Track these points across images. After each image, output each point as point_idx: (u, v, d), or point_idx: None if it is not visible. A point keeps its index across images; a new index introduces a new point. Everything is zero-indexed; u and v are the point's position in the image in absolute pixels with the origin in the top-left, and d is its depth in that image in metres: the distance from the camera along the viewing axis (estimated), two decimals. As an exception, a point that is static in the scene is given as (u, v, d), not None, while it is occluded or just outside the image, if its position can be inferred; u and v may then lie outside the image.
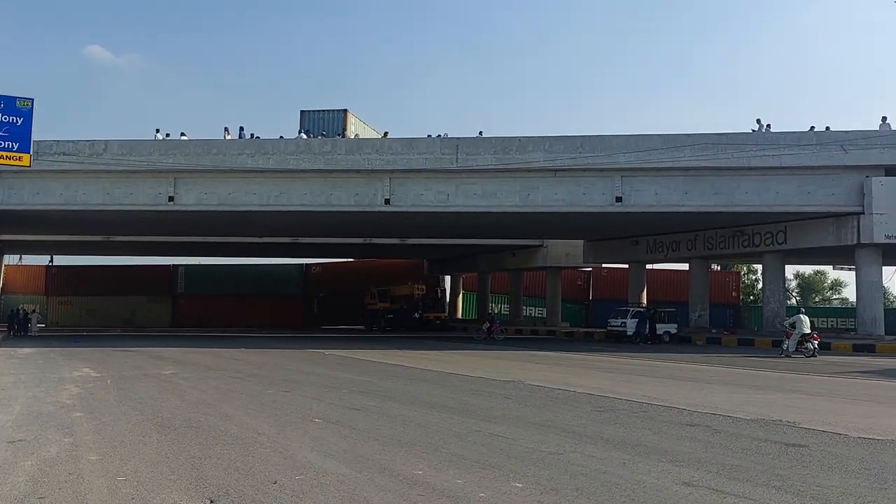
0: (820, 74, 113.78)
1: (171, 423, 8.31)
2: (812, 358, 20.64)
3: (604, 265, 43.41)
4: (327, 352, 22.02)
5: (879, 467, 6.15)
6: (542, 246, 40.54)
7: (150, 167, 26.22)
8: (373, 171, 26.50)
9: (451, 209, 27.02)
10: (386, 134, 28.79)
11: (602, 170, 26.12)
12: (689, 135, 26.09)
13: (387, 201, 26.63)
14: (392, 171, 26.54)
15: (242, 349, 23.08)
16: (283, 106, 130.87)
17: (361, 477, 5.79)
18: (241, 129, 28.10)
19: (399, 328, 41.11)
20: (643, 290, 36.14)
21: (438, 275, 52.01)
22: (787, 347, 21.52)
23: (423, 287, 44.04)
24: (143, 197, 26.86)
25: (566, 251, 40.34)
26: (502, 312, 46.67)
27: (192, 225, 31.93)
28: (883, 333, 26.61)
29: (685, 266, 35.89)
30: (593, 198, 26.54)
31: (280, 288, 50.29)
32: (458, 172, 26.45)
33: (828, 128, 26.20)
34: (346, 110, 31.99)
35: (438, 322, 42.40)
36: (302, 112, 31.89)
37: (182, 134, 27.82)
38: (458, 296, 52.80)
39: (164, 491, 5.36)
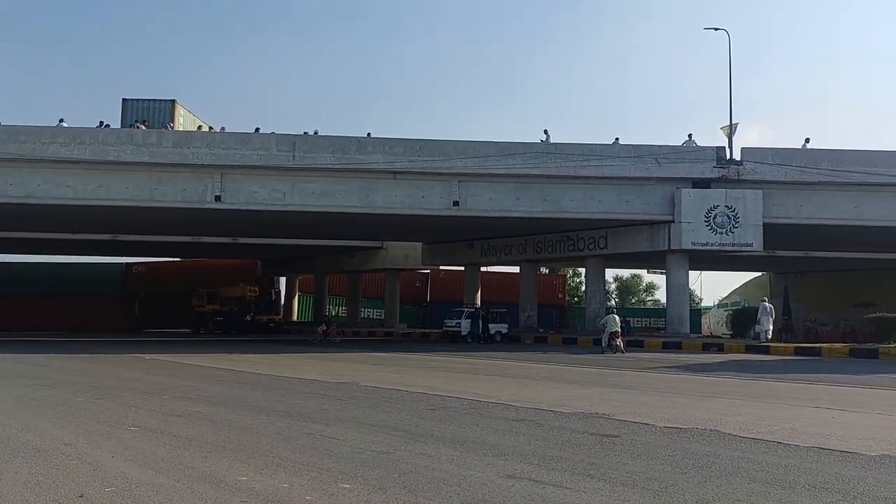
0: (635, 93, 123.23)
1: (-42, 438, 7.39)
2: (618, 354, 22.16)
3: (441, 267, 44.36)
4: (148, 356, 20.66)
5: (681, 453, 6.69)
6: (381, 248, 40.72)
7: (-58, 152, 23.42)
8: (203, 165, 25.33)
9: (288, 208, 26.43)
10: (257, 130, 27.18)
11: (440, 174, 26.65)
12: (520, 143, 27.29)
13: (217, 198, 25.56)
14: (224, 167, 25.51)
15: (50, 354, 21.12)
16: (104, 94, 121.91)
17: (179, 486, 5.45)
18: None
19: (229, 331, 39.55)
20: (478, 292, 37.29)
21: (273, 276, 50.69)
22: (604, 345, 23.31)
23: (256, 288, 42.71)
24: (-66, 186, 23.97)
25: (405, 253, 40.78)
26: (340, 314, 46.27)
27: (-5, 218, 28.87)
28: (689, 331, 29.24)
29: (517, 269, 37.48)
30: (432, 201, 27.02)
31: (97, 288, 46.56)
32: (296, 171, 25.92)
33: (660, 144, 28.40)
34: (174, 101, 30.27)
35: (272, 324, 41.34)
36: (124, 101, 29.72)
37: None
38: (293, 297, 51.75)
39: (-56, 513, 4.75)
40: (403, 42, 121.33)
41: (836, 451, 6.78)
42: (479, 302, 36.04)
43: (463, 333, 30.05)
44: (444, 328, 31.78)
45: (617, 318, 24.09)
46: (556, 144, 27.40)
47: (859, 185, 26.71)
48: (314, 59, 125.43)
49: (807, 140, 28.44)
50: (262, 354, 22.01)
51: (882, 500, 5.06)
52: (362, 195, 26.63)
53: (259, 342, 30.01)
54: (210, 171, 25.47)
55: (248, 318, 40.48)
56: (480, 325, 30.43)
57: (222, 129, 28.80)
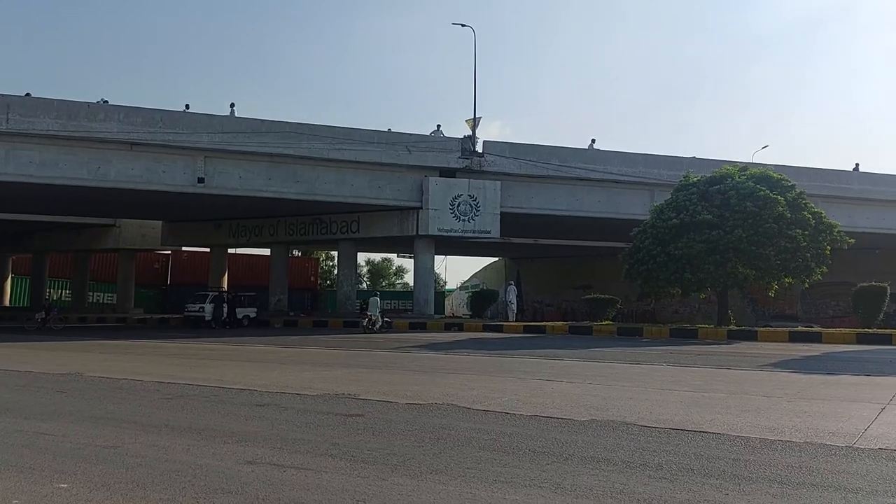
0: (385, 81, 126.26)
1: None
2: (369, 335, 23.68)
3: (184, 248, 41.90)
4: None
5: (420, 428, 7.01)
6: (114, 225, 37.38)
7: None
8: None
9: (0, 178, 23.19)
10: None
11: (184, 148, 25.14)
12: (273, 121, 26.65)
13: None
14: (-85, 126, 21.68)
15: None
16: None
17: None
18: None
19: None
20: (224, 275, 35.84)
21: (-21, 255, 44.24)
22: (366, 325, 24.96)
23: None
24: None
25: (143, 232, 37.89)
26: (63, 299, 41.72)
27: None
28: (433, 313, 30.76)
29: (268, 251, 36.61)
30: (174, 176, 25.39)
31: None
32: (10, 135, 22.87)
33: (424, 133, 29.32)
34: None
35: (-22, 311, 36.11)
36: None
37: None
38: (6, 280, 45.55)
39: None
40: (151, 9, 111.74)
41: (554, 418, 7.56)
42: (226, 285, 34.68)
43: (207, 318, 28.70)
44: (186, 313, 30.10)
45: (378, 300, 26.12)
46: (310, 126, 27.14)
47: (580, 180, 29.96)
48: (48, 15, 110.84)
49: (593, 140, 31.65)
50: (-36, 345, 19.10)
51: (589, 459, 5.74)
52: (92, 167, 24.21)
53: (-40, 331, 26.00)
54: None
55: (-53, 303, 34.95)
56: (226, 310, 29.30)
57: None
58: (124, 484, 4.98)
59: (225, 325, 28.56)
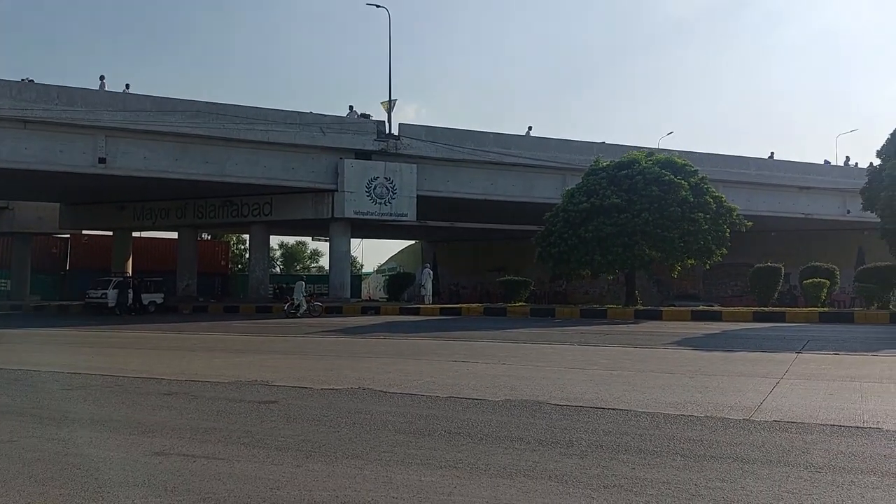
0: (306, 62, 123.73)
1: None
2: (294, 318, 23.98)
3: (85, 231, 39.96)
4: None
5: (335, 413, 6.95)
6: (7, 207, 35.28)
7: None
8: None
9: None
10: None
11: (83, 126, 23.93)
12: (180, 100, 25.67)
13: None
14: None
15: None
16: None
17: None
18: None
19: None
20: (129, 259, 34.46)
21: None
22: (287, 309, 24.91)
23: None
24: None
25: (39, 215, 35.96)
26: (-49, 286, 39.04)
27: None
28: (349, 296, 30.52)
29: (175, 234, 35.37)
30: (72, 156, 24.15)
31: None
32: None
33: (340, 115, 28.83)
34: None
35: None
36: None
37: None
38: None
39: None
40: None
41: (469, 399, 7.64)
42: (130, 270, 33.32)
43: (110, 305, 27.56)
44: (88, 299, 28.78)
45: (303, 284, 26.59)
46: (219, 105, 26.30)
47: (496, 164, 30.26)
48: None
49: (530, 128, 31.90)
50: None
51: (503, 439, 5.84)
52: (-18, 145, 22.72)
53: None
54: None
55: None
56: (131, 296, 28.18)
57: None
58: (21, 480, 4.73)
59: (130, 312, 27.50)
